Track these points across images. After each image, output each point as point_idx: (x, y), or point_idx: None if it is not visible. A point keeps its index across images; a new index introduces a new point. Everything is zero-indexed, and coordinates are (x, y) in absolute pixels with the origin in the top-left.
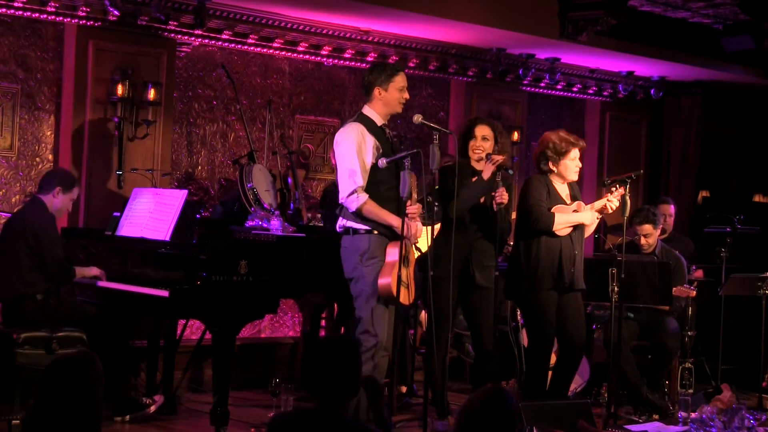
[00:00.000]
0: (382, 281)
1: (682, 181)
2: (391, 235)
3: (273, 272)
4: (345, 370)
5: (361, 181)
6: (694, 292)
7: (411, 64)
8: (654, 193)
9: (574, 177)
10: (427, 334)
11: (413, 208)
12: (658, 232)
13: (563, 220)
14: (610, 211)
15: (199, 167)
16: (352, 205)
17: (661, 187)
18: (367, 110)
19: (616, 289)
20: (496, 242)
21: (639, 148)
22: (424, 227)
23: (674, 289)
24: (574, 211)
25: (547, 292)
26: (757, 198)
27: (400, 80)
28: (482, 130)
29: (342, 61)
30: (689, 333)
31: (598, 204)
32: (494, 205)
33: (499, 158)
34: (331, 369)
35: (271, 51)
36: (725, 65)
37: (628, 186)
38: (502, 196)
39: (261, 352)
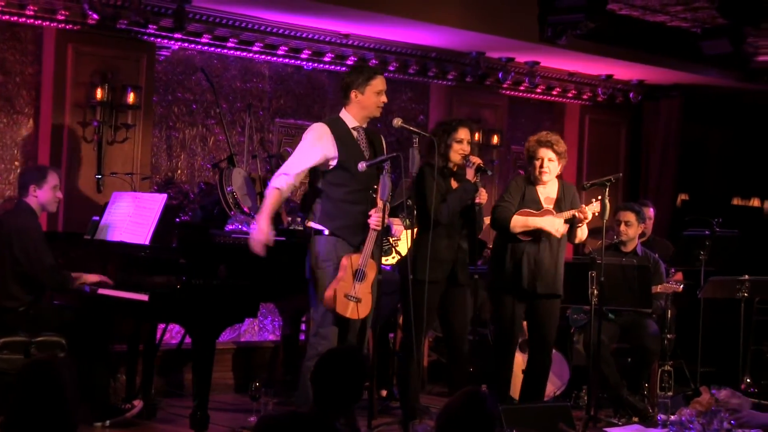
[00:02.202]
0: (327, 294)
1: (661, 184)
2: (351, 239)
3: (253, 276)
4: (354, 380)
5: (297, 170)
6: (681, 288)
7: (391, 68)
8: (633, 196)
9: (543, 178)
10: (404, 339)
11: (375, 219)
12: (640, 229)
13: (520, 222)
14: (585, 221)
15: (179, 171)
16: (272, 181)
17: (641, 190)
18: (344, 113)
19: (595, 292)
20: (474, 241)
21: (618, 151)
22: (405, 230)
23: (660, 286)
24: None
25: (507, 296)
26: (735, 201)
27: (377, 83)
28: (464, 133)
29: (322, 65)
30: (669, 336)
31: (567, 214)
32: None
33: (477, 160)
34: (340, 379)
35: (250, 54)
36: (704, 68)
37: (607, 189)
38: (480, 195)
39: (241, 356)
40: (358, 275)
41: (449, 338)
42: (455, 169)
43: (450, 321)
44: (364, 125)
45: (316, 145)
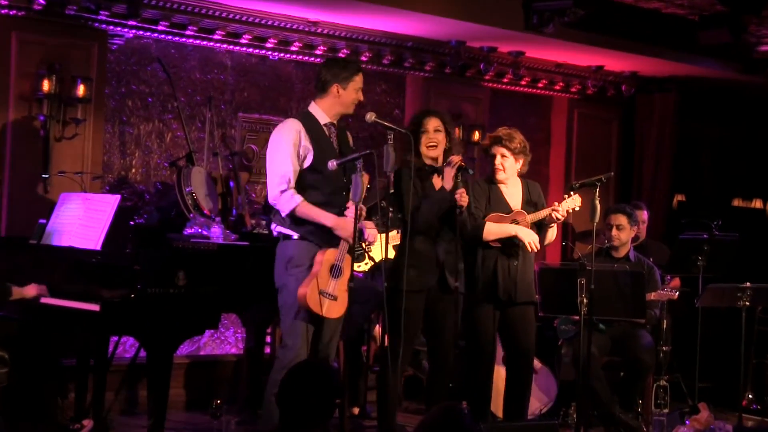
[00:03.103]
0: (300, 291)
1: (656, 184)
2: (323, 242)
3: (214, 284)
4: (323, 397)
5: (291, 180)
6: (677, 296)
7: (363, 58)
8: (625, 198)
9: (498, 176)
10: (381, 351)
11: (351, 211)
12: (632, 233)
13: (493, 230)
14: (557, 221)
15: (133, 170)
16: (286, 206)
17: (633, 191)
18: (314, 107)
19: (585, 301)
20: (457, 247)
21: (609, 149)
22: (379, 235)
23: (654, 294)
24: (513, 221)
25: (484, 305)
26: (736, 202)
27: (359, 80)
28: (433, 123)
29: (288, 55)
30: (664, 348)
31: (542, 213)
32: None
33: (457, 159)
34: (308, 396)
35: (211, 44)
36: (701, 60)
37: (597, 189)
38: (461, 197)
39: (201, 371)
40: (334, 271)
41: (433, 349)
42: (438, 164)
43: (436, 330)
44: (335, 121)
45: (290, 146)
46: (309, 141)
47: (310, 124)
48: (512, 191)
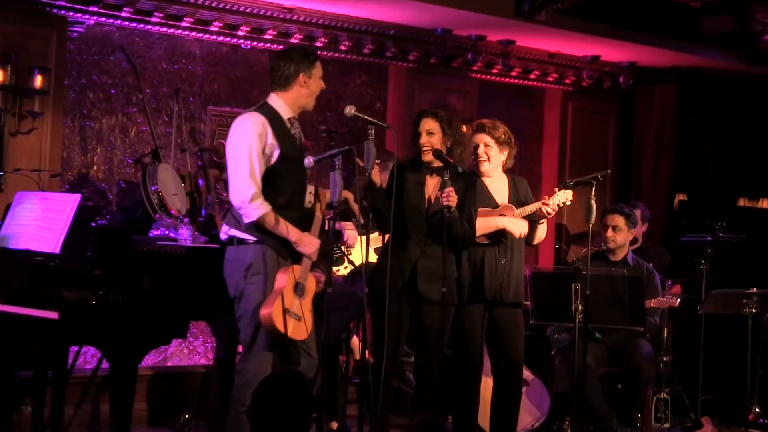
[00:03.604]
0: (264, 311)
1: (656, 183)
2: (283, 248)
3: (182, 290)
4: (298, 411)
5: (258, 183)
6: (678, 302)
7: (342, 47)
8: (623, 197)
9: (478, 168)
10: (360, 363)
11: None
12: (631, 235)
13: (480, 224)
14: (547, 215)
15: (95, 167)
16: (253, 213)
17: (632, 190)
18: (275, 100)
19: (580, 307)
20: (444, 250)
21: (606, 144)
22: (359, 236)
23: (654, 300)
24: (501, 215)
25: (471, 307)
26: (741, 202)
27: (320, 68)
28: (427, 124)
29: (262, 44)
30: (665, 358)
31: (532, 208)
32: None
33: (374, 173)
34: (282, 411)
35: (179, 31)
36: (704, 49)
37: (593, 188)
38: (448, 197)
39: (168, 383)
40: (297, 289)
41: (418, 358)
42: (433, 165)
43: (421, 340)
44: (296, 116)
45: (254, 145)
46: (274, 137)
47: (274, 119)
48: (498, 186)
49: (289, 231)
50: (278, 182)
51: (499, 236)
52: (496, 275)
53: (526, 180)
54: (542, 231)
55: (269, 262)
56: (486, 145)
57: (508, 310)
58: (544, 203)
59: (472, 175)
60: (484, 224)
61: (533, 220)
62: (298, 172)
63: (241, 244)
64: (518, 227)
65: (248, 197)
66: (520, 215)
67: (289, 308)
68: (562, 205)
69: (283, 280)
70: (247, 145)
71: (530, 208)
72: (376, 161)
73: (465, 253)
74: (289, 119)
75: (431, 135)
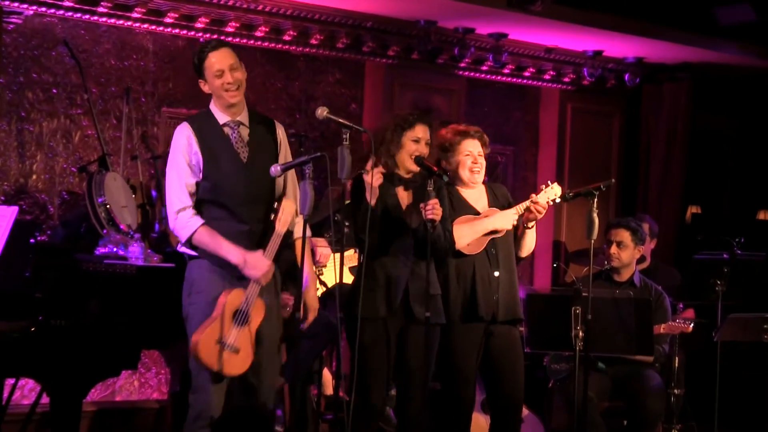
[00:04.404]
0: (193, 338)
1: (666, 194)
2: (228, 267)
3: (132, 315)
4: None
5: (187, 200)
6: (691, 327)
7: (313, 41)
8: (629, 209)
9: (473, 177)
10: (334, 397)
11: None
12: (637, 253)
13: (465, 231)
14: (539, 215)
15: (34, 176)
16: (183, 231)
17: (639, 201)
18: (212, 105)
19: (580, 334)
20: (428, 270)
21: (610, 150)
22: (333, 254)
23: (664, 326)
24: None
25: (463, 329)
26: (762, 215)
27: (210, 64)
28: (424, 131)
29: (223, 37)
30: (676, 391)
31: (517, 209)
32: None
33: (377, 171)
34: None
35: (129, 23)
36: (719, 43)
37: (595, 200)
38: (433, 210)
39: (116, 420)
40: (238, 317)
41: (400, 390)
42: (408, 175)
43: (403, 367)
44: (239, 117)
45: (180, 156)
46: (198, 146)
47: (205, 126)
48: (476, 195)
49: (229, 251)
50: (213, 193)
51: (489, 246)
52: (491, 290)
53: (517, 190)
54: (531, 240)
55: (213, 279)
56: (480, 154)
57: (505, 330)
58: (532, 202)
59: (440, 181)
60: (471, 230)
61: (521, 227)
62: (240, 181)
63: (190, 259)
64: (506, 220)
65: (174, 212)
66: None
67: (224, 338)
68: (551, 202)
69: (222, 305)
70: (172, 159)
71: (519, 209)
72: (382, 171)
73: (453, 267)
74: (226, 124)
75: (427, 145)
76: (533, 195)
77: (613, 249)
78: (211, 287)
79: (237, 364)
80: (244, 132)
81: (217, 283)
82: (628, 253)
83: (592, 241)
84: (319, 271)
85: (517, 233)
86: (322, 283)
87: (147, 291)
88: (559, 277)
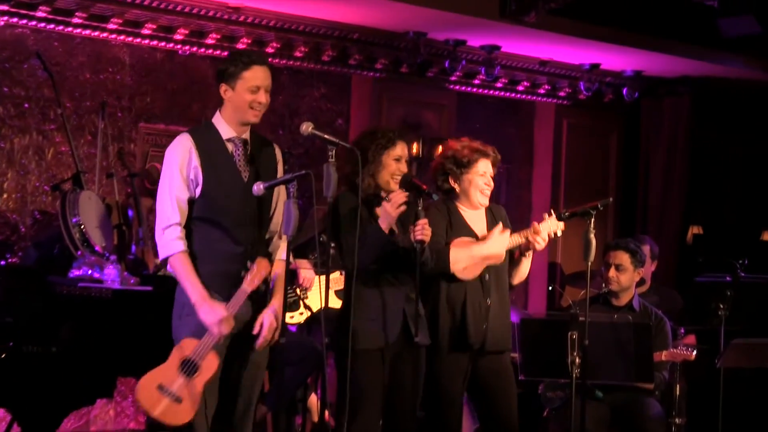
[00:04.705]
0: (141, 381)
1: (666, 213)
2: (222, 291)
3: (108, 340)
4: None
5: (176, 216)
6: (694, 354)
7: (297, 54)
8: (628, 230)
9: (482, 200)
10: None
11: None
12: (637, 276)
13: (462, 255)
14: (537, 246)
15: (5, 195)
16: (163, 250)
17: (638, 222)
18: (217, 117)
19: (577, 360)
20: (416, 291)
21: (607, 167)
22: (317, 277)
23: (665, 352)
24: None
25: (450, 356)
26: (766, 236)
27: (252, 76)
28: (404, 149)
29: (203, 49)
30: (677, 420)
31: (515, 239)
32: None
33: (400, 198)
34: None
35: (105, 35)
36: (722, 56)
37: (592, 220)
38: (423, 230)
39: None
40: (186, 367)
41: (388, 419)
42: (386, 196)
43: (394, 395)
44: (245, 135)
45: (176, 169)
46: (199, 160)
47: (207, 140)
48: (476, 216)
49: (192, 288)
50: (211, 212)
51: (483, 272)
52: (481, 318)
53: (511, 209)
54: (525, 267)
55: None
56: (491, 176)
57: (495, 358)
58: (534, 231)
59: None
60: (468, 255)
61: (517, 254)
62: (239, 201)
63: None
64: (500, 244)
65: (161, 227)
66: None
67: (167, 385)
68: (553, 235)
69: (176, 350)
70: (167, 173)
71: (518, 238)
72: (405, 194)
73: (444, 291)
74: (230, 140)
75: (399, 162)
76: (535, 223)
77: (612, 272)
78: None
79: (177, 415)
80: (247, 151)
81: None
82: (627, 276)
83: (589, 264)
84: (303, 294)
85: (513, 257)
86: (307, 307)
87: (123, 315)
88: (554, 301)
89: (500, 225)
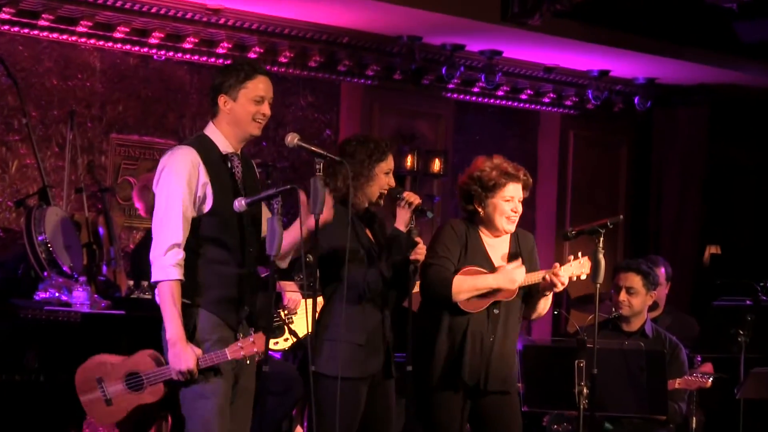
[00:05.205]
0: (89, 361)
1: (681, 232)
2: (229, 315)
3: (77, 368)
4: None
5: (180, 235)
6: (709, 382)
7: (282, 59)
8: (640, 249)
9: (507, 226)
10: None
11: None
12: (649, 299)
13: (466, 285)
14: (556, 289)
15: None
16: (158, 273)
17: (650, 241)
18: (211, 129)
19: (585, 391)
20: (408, 315)
21: (617, 183)
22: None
23: (679, 381)
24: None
25: (445, 394)
26: None
27: (255, 87)
28: (391, 162)
29: (180, 54)
30: None
31: (536, 276)
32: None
33: (415, 198)
34: None
35: (74, 38)
36: (741, 62)
37: (601, 239)
38: (417, 250)
39: None
40: (131, 379)
41: None
42: (367, 209)
43: (381, 421)
44: (239, 150)
45: (184, 184)
46: (209, 178)
47: (210, 155)
48: (497, 242)
49: (171, 324)
50: (217, 231)
51: (491, 305)
52: (480, 355)
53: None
54: (544, 305)
55: (216, 331)
56: (520, 201)
57: (496, 398)
58: (553, 273)
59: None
60: (472, 284)
61: (534, 291)
62: (246, 219)
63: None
64: (511, 280)
65: (166, 245)
66: (521, 283)
67: (105, 382)
68: (575, 278)
69: (135, 364)
70: (174, 184)
71: (535, 277)
72: (415, 195)
73: (446, 318)
74: (228, 154)
75: (388, 175)
76: (557, 265)
77: (622, 295)
78: (209, 335)
79: (100, 414)
80: (240, 165)
81: (216, 332)
82: (639, 300)
83: (598, 286)
84: (288, 318)
85: (530, 293)
86: (292, 332)
87: (93, 341)
88: (560, 327)
89: (519, 261)
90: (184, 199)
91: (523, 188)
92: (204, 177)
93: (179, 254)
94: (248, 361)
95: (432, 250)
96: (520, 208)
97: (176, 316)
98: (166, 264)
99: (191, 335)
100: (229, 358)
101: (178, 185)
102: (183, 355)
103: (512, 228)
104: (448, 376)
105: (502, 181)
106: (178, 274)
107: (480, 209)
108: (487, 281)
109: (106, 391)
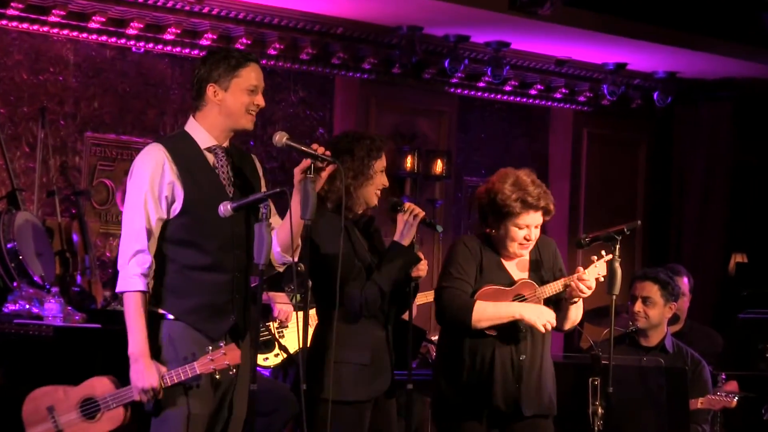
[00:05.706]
0: (36, 391)
1: (704, 238)
2: (209, 327)
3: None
4: None
5: (144, 241)
6: (735, 402)
7: (271, 52)
8: (659, 257)
9: (519, 251)
10: None
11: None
12: (669, 311)
13: (488, 313)
14: (584, 294)
15: None
16: (121, 283)
17: (671, 249)
18: (191, 124)
19: (599, 411)
20: (409, 334)
21: (635, 185)
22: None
23: (702, 400)
24: (518, 296)
25: (473, 424)
26: None
27: (248, 76)
28: (385, 160)
29: (160, 46)
30: None
31: (557, 287)
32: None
33: (419, 211)
34: None
35: (45, 28)
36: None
37: (617, 246)
38: (418, 267)
39: None
40: (85, 406)
41: None
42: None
43: None
44: (226, 143)
45: (146, 185)
46: (177, 176)
47: (183, 151)
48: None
49: (136, 339)
50: (192, 234)
51: (515, 323)
52: (512, 378)
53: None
54: (576, 313)
55: (190, 345)
56: (537, 227)
57: (530, 423)
58: (579, 279)
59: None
60: (494, 313)
61: (563, 300)
62: (226, 221)
63: (159, 319)
64: (542, 317)
65: (130, 253)
66: (545, 295)
67: (57, 411)
68: (602, 278)
69: (90, 389)
70: (135, 189)
71: (557, 286)
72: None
73: (467, 345)
74: (210, 149)
75: (383, 173)
76: (580, 269)
77: (638, 306)
78: (185, 350)
79: None
80: (225, 160)
81: (191, 346)
82: (657, 312)
83: (614, 298)
84: (279, 332)
85: (560, 304)
86: (282, 348)
87: (67, 357)
88: (572, 342)
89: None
90: (147, 200)
91: (544, 215)
92: (170, 175)
93: (145, 262)
94: (237, 384)
95: (446, 272)
96: (535, 234)
97: (139, 330)
98: (129, 273)
99: (160, 350)
100: (198, 372)
101: (139, 187)
102: (146, 372)
103: (524, 253)
104: (476, 403)
105: (517, 211)
106: (141, 284)
107: (493, 231)
108: (511, 310)
109: (58, 422)
